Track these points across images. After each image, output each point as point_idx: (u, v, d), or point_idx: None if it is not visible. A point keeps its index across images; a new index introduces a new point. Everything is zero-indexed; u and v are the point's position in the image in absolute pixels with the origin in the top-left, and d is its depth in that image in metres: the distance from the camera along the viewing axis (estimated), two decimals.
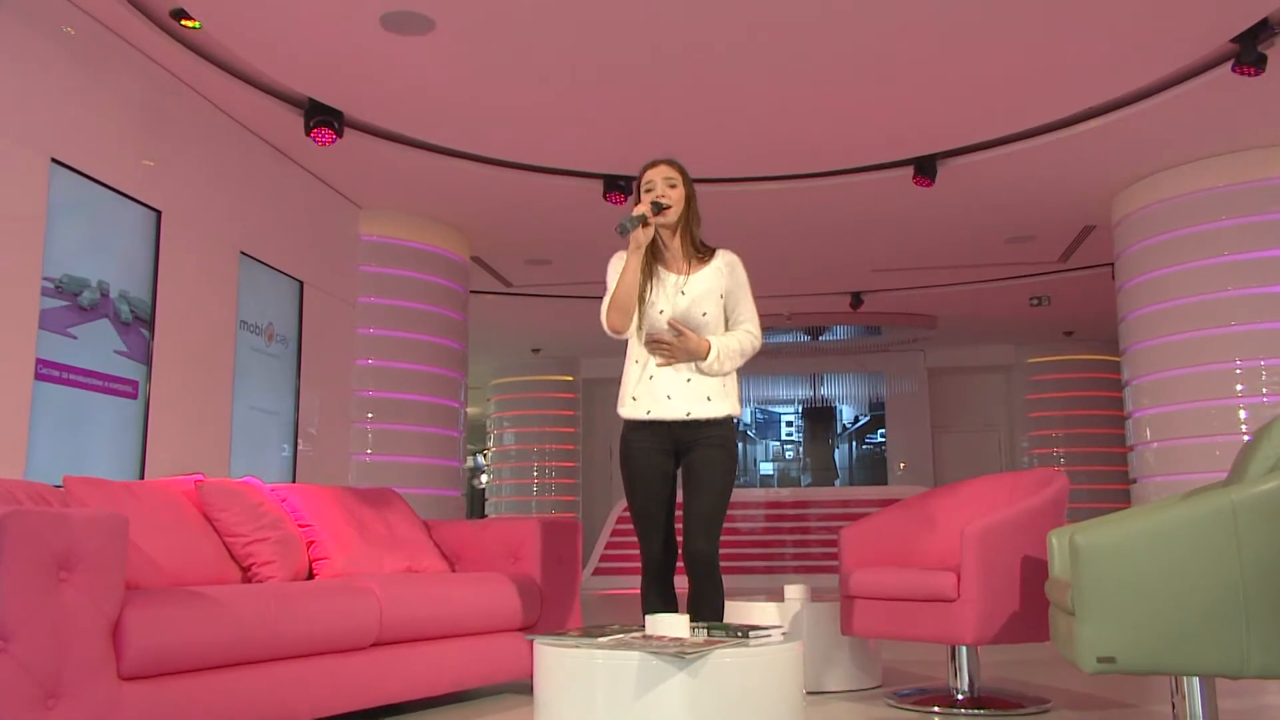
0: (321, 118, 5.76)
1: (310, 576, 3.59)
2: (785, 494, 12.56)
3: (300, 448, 6.48)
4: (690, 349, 2.97)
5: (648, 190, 3.06)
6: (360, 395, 7.23)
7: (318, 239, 6.84)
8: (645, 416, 3.00)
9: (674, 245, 3.08)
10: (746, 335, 3.05)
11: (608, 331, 3.04)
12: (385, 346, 7.36)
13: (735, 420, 3.09)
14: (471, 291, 8.47)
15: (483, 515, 13.90)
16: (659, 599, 3.06)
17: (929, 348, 12.98)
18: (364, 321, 7.30)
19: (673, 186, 3.05)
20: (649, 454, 3.02)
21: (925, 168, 6.49)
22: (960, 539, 3.34)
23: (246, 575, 3.32)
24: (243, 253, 5.89)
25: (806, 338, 12.09)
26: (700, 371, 3.01)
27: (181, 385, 5.22)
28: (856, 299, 9.93)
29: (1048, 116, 5.99)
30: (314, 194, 6.80)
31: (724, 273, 3.07)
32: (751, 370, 13.37)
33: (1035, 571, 3.36)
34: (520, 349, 12.65)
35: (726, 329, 3.08)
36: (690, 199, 3.09)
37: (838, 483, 14.48)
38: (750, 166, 6.77)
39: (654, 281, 3.06)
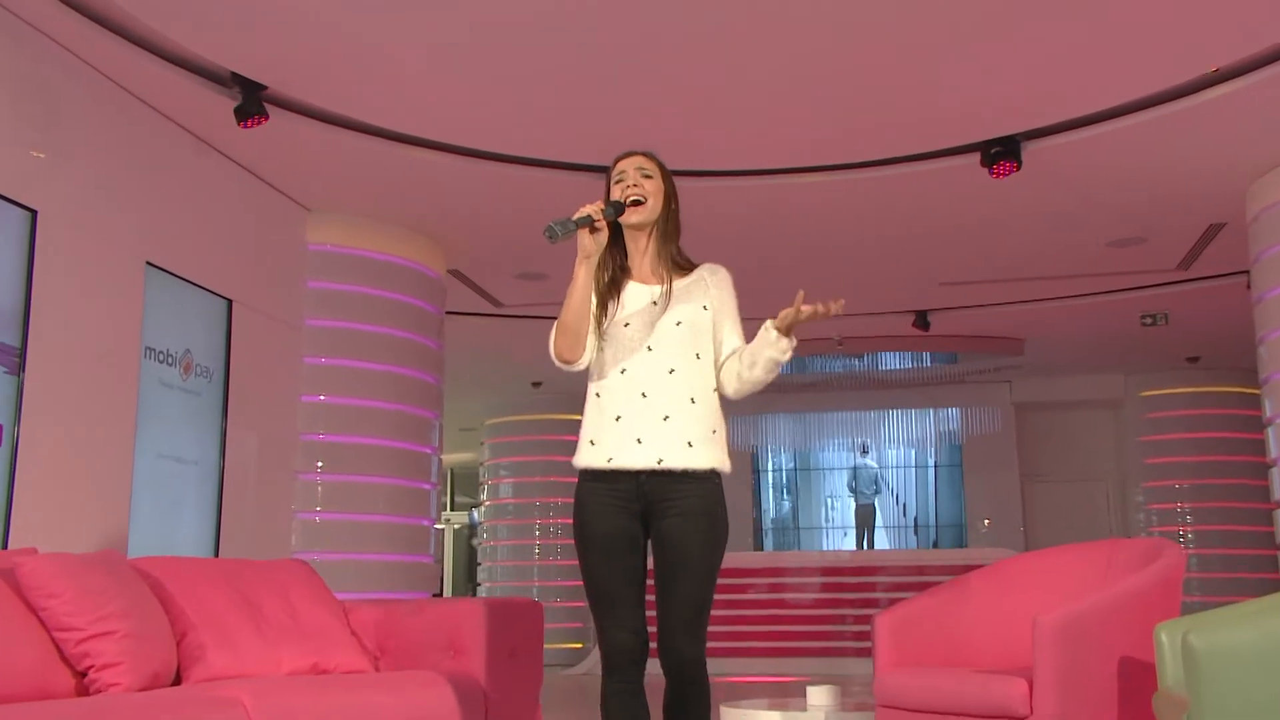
0: (258, 96, 5.55)
1: (178, 682, 3.27)
2: (845, 557, 12.30)
3: (226, 507, 6.23)
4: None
5: (618, 182, 3.02)
6: (307, 439, 7.06)
7: (251, 248, 6.65)
8: (606, 465, 2.87)
9: (646, 253, 3.02)
10: None
11: (555, 361, 2.95)
12: (339, 379, 7.21)
13: (720, 477, 2.91)
14: (450, 313, 8.36)
15: (474, 581, 13.69)
16: (623, 710, 2.82)
17: (1016, 379, 12.87)
18: (312, 349, 7.15)
19: (647, 177, 3.03)
20: (609, 513, 2.87)
21: (1006, 151, 6.26)
22: (1033, 631, 3.04)
23: (82, 683, 3.00)
24: (150, 264, 5.69)
25: (861, 366, 11.95)
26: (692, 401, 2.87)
27: (62, 429, 4.96)
28: (922, 319, 9.80)
29: (1161, 84, 5.67)
30: (247, 192, 6.62)
31: (707, 282, 3.01)
32: (786, 407, 13.20)
33: (1139, 680, 3.05)
34: (518, 383, 12.58)
35: (717, 348, 2.99)
36: (670, 198, 3.04)
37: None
38: (786, 155, 6.56)
39: (618, 297, 2.98)
